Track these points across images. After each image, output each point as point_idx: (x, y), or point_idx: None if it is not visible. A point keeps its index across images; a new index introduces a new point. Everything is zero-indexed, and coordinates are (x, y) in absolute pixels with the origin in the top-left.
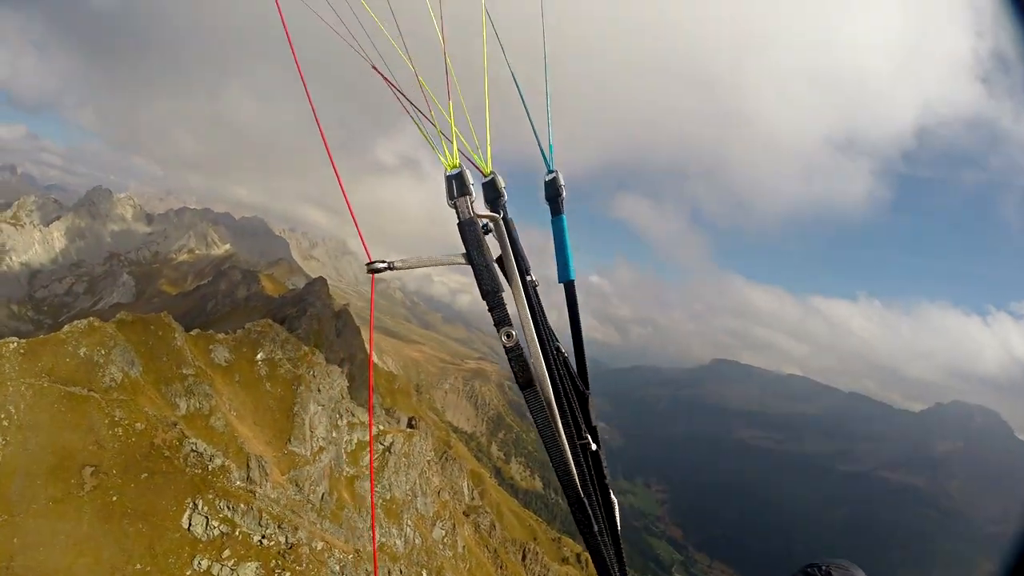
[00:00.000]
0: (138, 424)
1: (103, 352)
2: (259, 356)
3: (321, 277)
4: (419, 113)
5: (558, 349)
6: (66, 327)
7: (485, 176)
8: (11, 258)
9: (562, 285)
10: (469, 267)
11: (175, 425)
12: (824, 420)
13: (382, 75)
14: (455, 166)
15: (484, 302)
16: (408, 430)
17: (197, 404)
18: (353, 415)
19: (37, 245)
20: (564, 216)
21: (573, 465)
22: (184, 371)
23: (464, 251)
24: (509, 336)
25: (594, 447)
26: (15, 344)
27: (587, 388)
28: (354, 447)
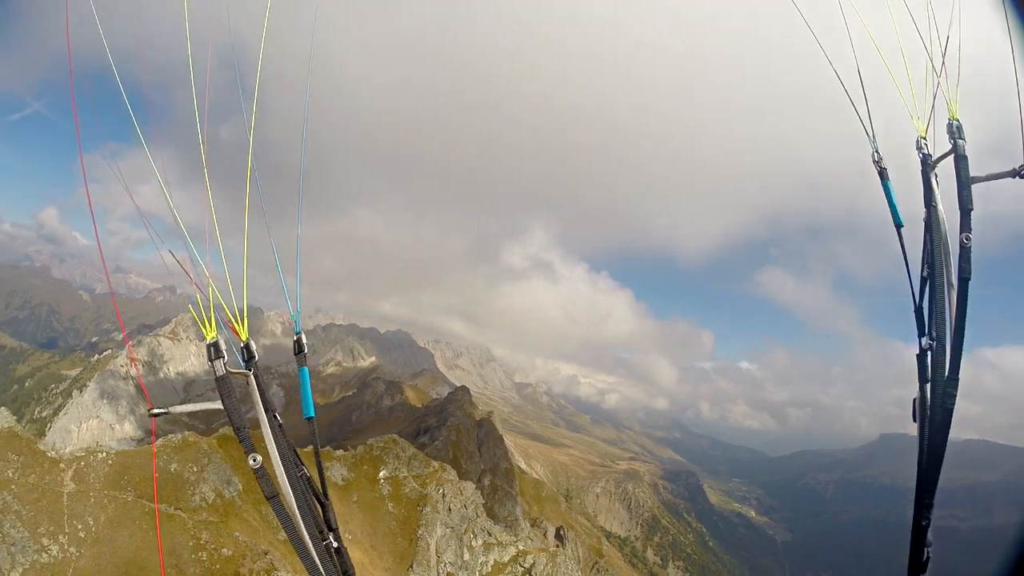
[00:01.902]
0: (225, 550)
1: (195, 469)
2: (381, 474)
3: (464, 386)
4: (196, 289)
5: (302, 470)
6: (160, 440)
7: (242, 342)
8: (168, 368)
9: (308, 421)
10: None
11: (266, 554)
12: (1010, 486)
13: (176, 260)
14: (214, 337)
15: (239, 439)
16: (553, 549)
17: None
18: (490, 534)
19: (192, 358)
20: (306, 368)
21: (318, 561)
22: None
23: (221, 399)
24: (255, 460)
25: (335, 545)
26: (103, 455)
27: (327, 499)
28: (490, 570)
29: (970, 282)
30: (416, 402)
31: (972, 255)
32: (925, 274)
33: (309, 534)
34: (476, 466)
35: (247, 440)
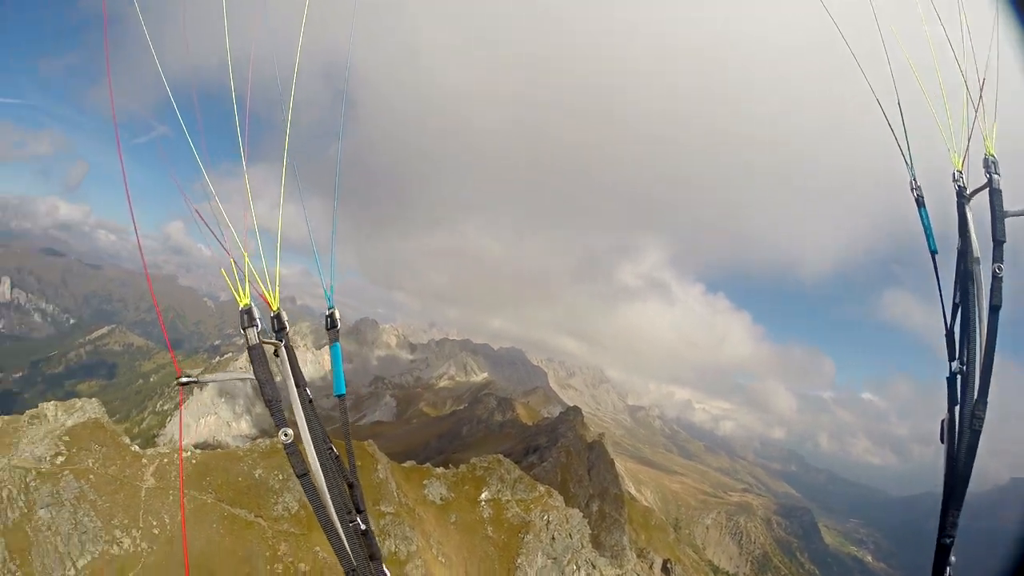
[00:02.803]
0: (302, 564)
1: (281, 477)
2: (483, 495)
3: (576, 406)
4: (227, 256)
5: (331, 448)
6: (247, 444)
7: (273, 312)
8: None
9: (338, 399)
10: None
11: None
12: None
13: (204, 222)
14: (247, 303)
15: (270, 412)
16: None
17: (392, 547)
18: (593, 566)
19: (309, 364)
20: (339, 344)
21: (346, 541)
22: (382, 508)
23: (253, 369)
24: (286, 435)
25: (363, 527)
26: (188, 453)
27: (355, 479)
28: None
29: (1000, 310)
30: (527, 420)
31: (1004, 285)
32: (957, 300)
33: (338, 515)
34: (585, 490)
35: (279, 413)
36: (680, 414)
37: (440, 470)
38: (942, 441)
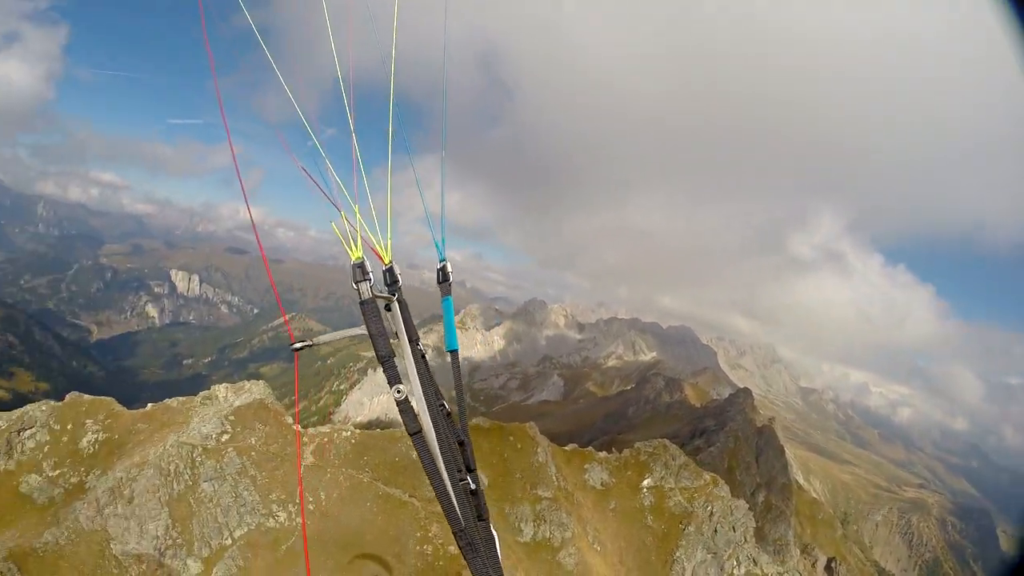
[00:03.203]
0: (452, 547)
1: None
2: (645, 482)
3: (746, 388)
4: (336, 209)
5: (443, 405)
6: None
7: (385, 265)
8: None
9: (450, 353)
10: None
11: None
12: None
13: (308, 175)
14: (359, 257)
15: (383, 368)
16: None
17: (547, 533)
18: (755, 562)
19: (479, 345)
20: (451, 298)
21: (455, 501)
22: (539, 492)
23: (365, 325)
24: (399, 392)
25: (473, 487)
26: (347, 433)
27: (466, 437)
28: None
29: None
30: (695, 401)
31: None
32: None
33: (448, 474)
34: (752, 479)
35: (392, 369)
36: (855, 398)
37: (602, 454)
38: None
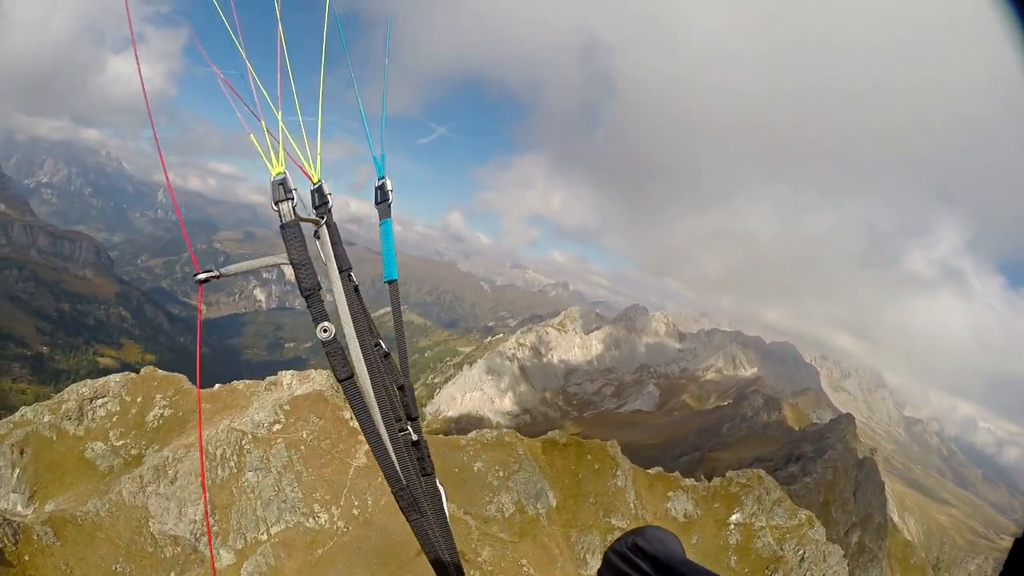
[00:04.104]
0: None
1: (502, 474)
2: (734, 517)
3: (848, 414)
4: (253, 117)
5: (378, 344)
6: (472, 434)
7: (314, 184)
8: (552, 356)
9: (388, 285)
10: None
11: None
12: None
13: (220, 76)
14: (280, 172)
15: (307, 303)
16: None
17: None
18: None
19: (576, 348)
20: (391, 220)
21: (394, 455)
22: (613, 520)
23: (287, 251)
24: (326, 330)
25: (415, 437)
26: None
27: (406, 380)
28: None
29: None
30: (793, 423)
31: None
32: None
33: (386, 424)
34: (847, 517)
35: (318, 304)
36: (961, 433)
37: (689, 482)
38: None
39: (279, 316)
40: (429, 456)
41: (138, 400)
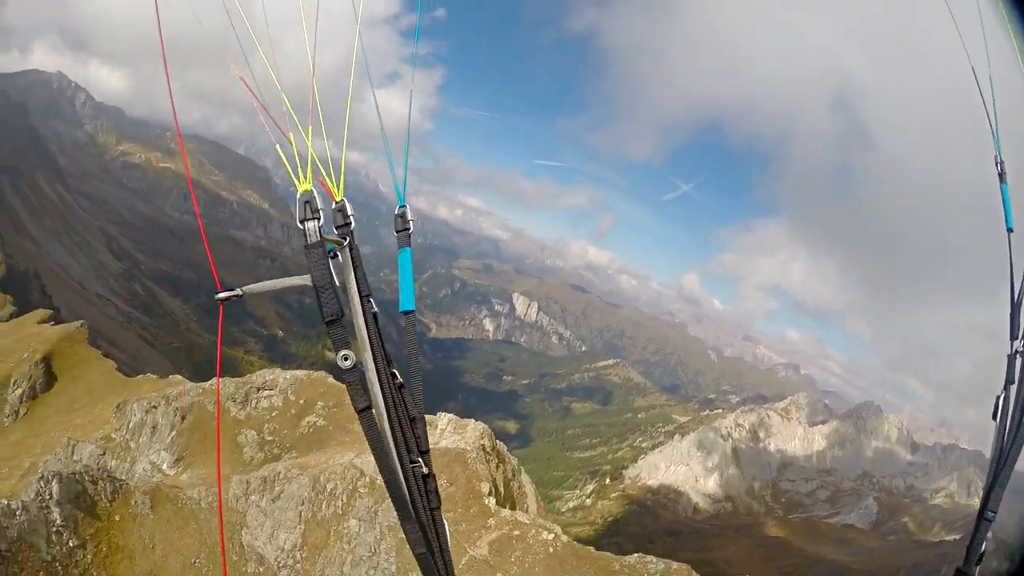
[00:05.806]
0: None
1: None
2: None
3: None
4: (281, 134)
5: (394, 375)
6: (634, 556)
7: (336, 203)
8: (770, 443)
9: (404, 315)
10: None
11: None
12: None
13: (250, 90)
14: (307, 190)
15: (327, 328)
16: None
17: None
18: None
19: (797, 440)
20: (410, 249)
21: (405, 486)
22: None
23: (311, 272)
24: (347, 359)
25: (425, 470)
26: (551, 535)
27: (419, 413)
28: None
29: None
30: None
31: None
32: None
33: (398, 455)
34: None
35: (340, 331)
36: None
37: None
38: (994, 419)
39: (504, 348)
40: (437, 491)
41: (300, 402)
